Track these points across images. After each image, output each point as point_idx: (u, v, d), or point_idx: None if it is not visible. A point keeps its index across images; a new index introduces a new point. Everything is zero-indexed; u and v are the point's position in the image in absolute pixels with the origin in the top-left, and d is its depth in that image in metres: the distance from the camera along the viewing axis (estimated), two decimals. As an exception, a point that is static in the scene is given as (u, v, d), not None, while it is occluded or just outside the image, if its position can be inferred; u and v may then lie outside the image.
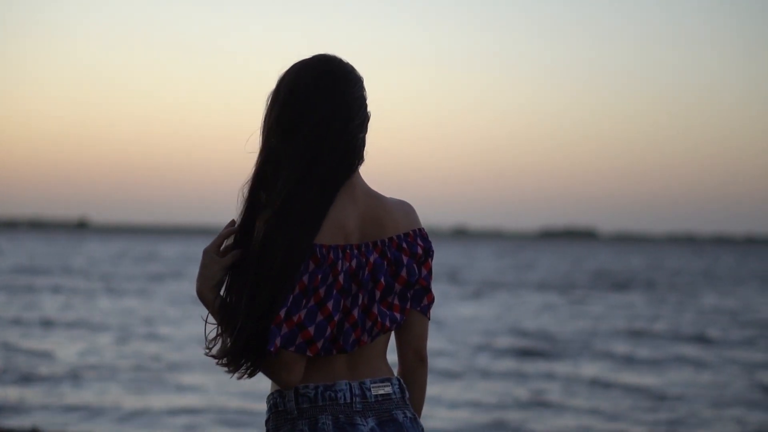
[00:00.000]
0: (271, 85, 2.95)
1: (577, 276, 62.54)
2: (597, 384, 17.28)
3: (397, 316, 2.92)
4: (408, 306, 2.94)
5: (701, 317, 32.22)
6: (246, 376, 2.88)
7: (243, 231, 2.91)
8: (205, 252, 2.93)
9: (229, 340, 2.85)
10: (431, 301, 2.98)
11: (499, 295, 41.87)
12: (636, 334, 25.90)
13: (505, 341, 23.58)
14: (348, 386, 2.89)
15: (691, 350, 22.71)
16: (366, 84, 2.99)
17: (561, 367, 19.31)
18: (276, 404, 2.93)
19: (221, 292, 2.91)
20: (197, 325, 25.87)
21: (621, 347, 22.97)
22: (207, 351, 2.92)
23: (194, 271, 58.20)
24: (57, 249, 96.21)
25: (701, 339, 25.13)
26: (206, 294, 2.90)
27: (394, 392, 2.93)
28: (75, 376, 16.67)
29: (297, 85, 2.90)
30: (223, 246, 2.94)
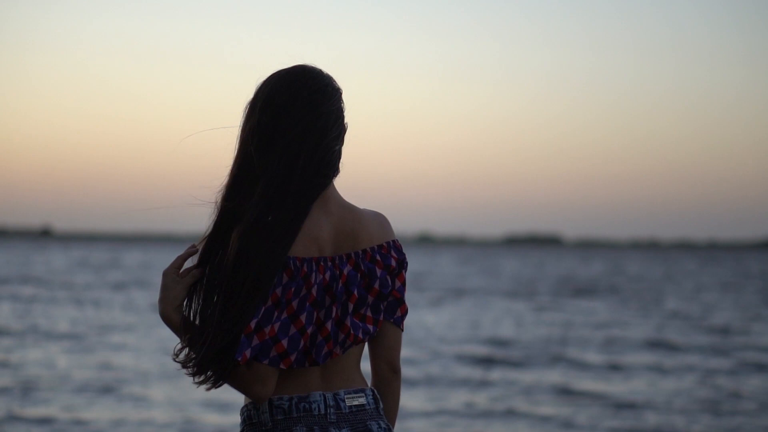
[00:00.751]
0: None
1: (541, 282, 62.60)
2: (559, 391, 17.18)
3: (370, 327, 2.93)
4: (381, 317, 2.95)
5: (663, 322, 32.22)
6: (212, 385, 2.87)
7: (214, 239, 2.92)
8: (165, 274, 2.93)
9: (198, 349, 2.84)
10: (404, 312, 2.99)
11: (462, 301, 41.82)
12: (602, 340, 25.88)
13: (467, 348, 23.47)
14: (322, 397, 2.91)
15: (653, 356, 22.67)
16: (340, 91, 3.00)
17: (524, 375, 19.20)
18: (250, 416, 2.94)
19: (185, 306, 2.92)
20: (155, 334, 25.70)
21: (584, 354, 22.89)
22: (174, 357, 2.92)
23: (155, 278, 58.11)
24: (18, 257, 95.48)
25: (662, 344, 25.10)
26: (171, 315, 2.90)
27: (368, 403, 2.95)
28: (26, 388, 16.28)
29: (274, 96, 2.91)
30: (185, 266, 2.95)
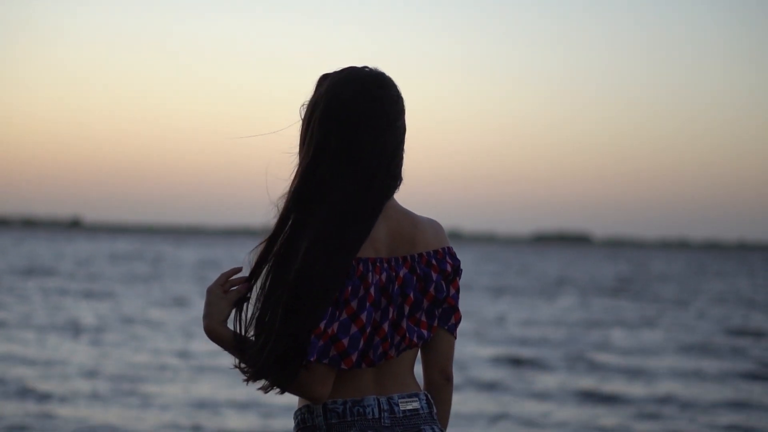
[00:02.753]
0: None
1: (575, 280, 62.28)
2: (588, 395, 17.07)
3: (425, 332, 2.94)
4: (435, 323, 2.96)
5: (702, 325, 32.00)
6: (278, 389, 2.89)
7: (274, 244, 2.93)
8: (209, 291, 2.95)
9: (258, 355, 2.85)
10: (458, 320, 2.99)
11: (493, 300, 41.64)
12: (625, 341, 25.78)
13: (494, 350, 23.35)
14: (376, 401, 2.91)
15: (690, 361, 22.52)
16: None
17: (552, 378, 19.10)
18: (304, 420, 2.96)
19: (235, 317, 2.97)
20: (175, 329, 25.61)
21: (612, 358, 22.76)
22: (236, 366, 2.93)
23: (180, 272, 58.18)
24: (49, 248, 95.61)
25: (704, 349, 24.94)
26: (217, 329, 2.93)
27: (422, 407, 2.96)
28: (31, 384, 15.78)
29: (350, 104, 2.92)
30: (234, 277, 2.99)
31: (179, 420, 13.60)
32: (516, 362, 20.98)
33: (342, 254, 2.85)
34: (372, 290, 2.88)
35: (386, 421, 2.91)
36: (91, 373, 17.36)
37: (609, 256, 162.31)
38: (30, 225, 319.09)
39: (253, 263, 2.97)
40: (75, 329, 24.55)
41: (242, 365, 2.92)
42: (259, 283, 2.95)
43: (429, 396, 3.00)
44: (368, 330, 2.86)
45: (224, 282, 2.98)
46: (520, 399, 16.31)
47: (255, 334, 2.89)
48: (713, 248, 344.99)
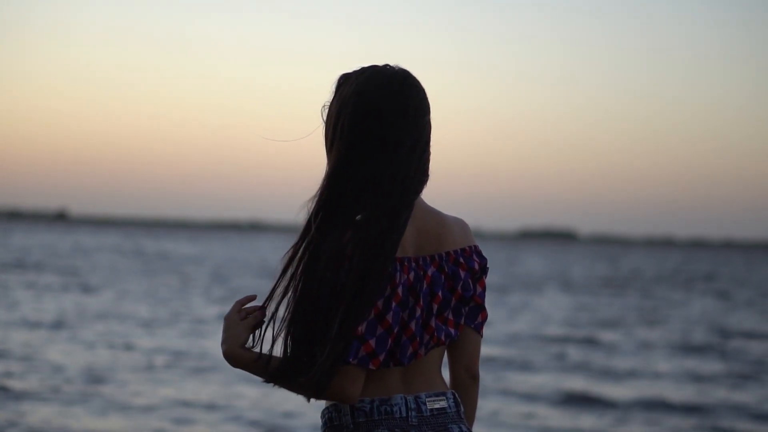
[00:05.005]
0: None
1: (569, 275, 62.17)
2: (573, 397, 16.69)
3: (452, 331, 2.95)
4: (462, 322, 2.98)
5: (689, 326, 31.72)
6: (317, 394, 2.88)
7: (303, 248, 2.93)
8: (227, 318, 2.98)
9: (307, 365, 2.85)
10: (485, 318, 3.01)
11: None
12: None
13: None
14: (403, 400, 2.92)
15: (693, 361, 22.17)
16: None
17: (536, 378, 18.71)
18: (331, 419, 2.96)
19: (258, 336, 2.98)
20: (162, 330, 25.25)
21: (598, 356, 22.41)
22: (270, 380, 2.92)
23: (169, 265, 57.84)
24: (33, 240, 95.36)
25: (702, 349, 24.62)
26: (237, 352, 2.94)
27: (449, 406, 2.96)
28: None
29: (384, 105, 2.94)
30: (249, 305, 3.03)
31: (147, 423, 13.19)
32: (497, 361, 20.63)
33: (387, 253, 2.87)
34: (399, 290, 2.89)
35: (414, 420, 2.92)
36: (57, 369, 16.97)
37: (595, 253, 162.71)
38: (16, 217, 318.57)
39: (282, 266, 2.98)
40: (45, 324, 24.17)
41: (278, 373, 2.90)
42: (282, 287, 2.96)
43: (456, 395, 3.00)
44: (396, 330, 2.88)
45: (239, 309, 3.00)
46: (496, 399, 15.91)
47: (293, 338, 2.89)
48: (699, 246, 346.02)
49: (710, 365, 21.59)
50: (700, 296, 48.57)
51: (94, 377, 16.40)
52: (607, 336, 27.13)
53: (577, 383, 18.18)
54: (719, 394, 17.67)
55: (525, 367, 20.15)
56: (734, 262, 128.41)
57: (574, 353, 22.90)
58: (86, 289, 36.96)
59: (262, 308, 3.01)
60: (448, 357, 3.04)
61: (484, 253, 3.07)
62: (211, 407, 14.36)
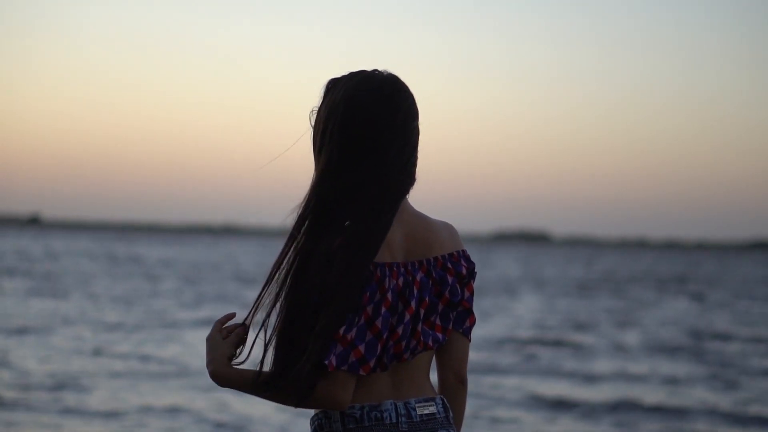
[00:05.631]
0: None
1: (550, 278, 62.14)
2: (543, 400, 16.52)
3: (439, 336, 2.97)
4: (450, 326, 2.98)
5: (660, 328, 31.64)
6: (301, 400, 2.88)
7: (290, 255, 2.95)
8: (209, 338, 2.98)
9: (288, 364, 2.86)
10: (473, 323, 3.02)
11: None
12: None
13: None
14: (393, 406, 2.92)
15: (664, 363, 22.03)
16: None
17: (508, 381, 18.53)
18: (321, 425, 2.97)
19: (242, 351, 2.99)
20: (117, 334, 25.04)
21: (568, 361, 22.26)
22: (256, 381, 2.92)
23: (140, 269, 57.54)
24: (5, 245, 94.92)
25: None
26: (223, 371, 2.94)
27: (438, 411, 2.97)
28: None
29: (374, 110, 2.96)
30: (229, 323, 3.02)
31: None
32: (469, 364, 20.38)
33: (367, 254, 2.89)
34: (389, 295, 2.90)
35: (404, 425, 2.93)
36: (23, 375, 16.70)
37: (569, 254, 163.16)
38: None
39: (270, 273, 2.98)
40: (10, 330, 23.88)
41: (264, 381, 2.89)
42: (271, 294, 2.95)
43: (445, 400, 3.01)
44: (385, 335, 2.89)
45: (220, 329, 3.00)
46: (467, 403, 15.72)
47: (282, 346, 2.89)
48: (672, 248, 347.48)
49: (684, 367, 21.48)
50: (674, 298, 48.59)
51: (59, 383, 16.16)
52: (581, 338, 27.02)
53: (550, 386, 18.03)
54: (694, 396, 17.56)
55: (496, 370, 19.99)
56: (707, 264, 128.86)
57: (547, 356, 22.77)
58: (56, 293, 36.66)
59: (244, 325, 3.01)
60: (436, 362, 3.05)
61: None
62: (174, 411, 14.19)
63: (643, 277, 73.80)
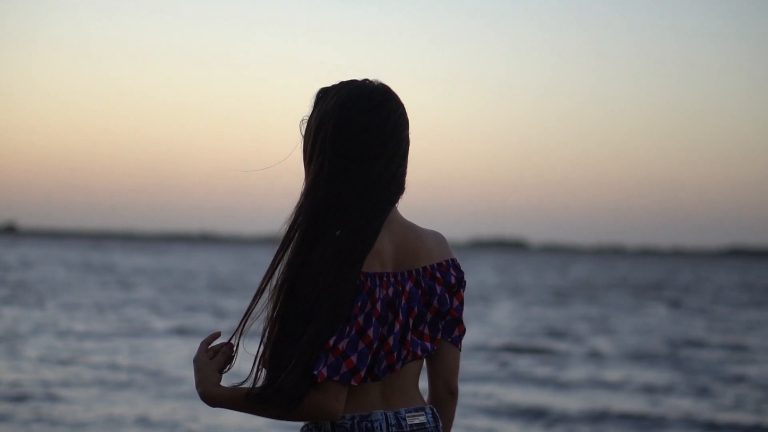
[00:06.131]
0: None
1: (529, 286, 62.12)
2: (517, 409, 16.39)
3: (428, 345, 2.98)
4: (439, 336, 3.00)
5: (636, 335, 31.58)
6: (289, 408, 2.87)
7: (282, 260, 2.95)
8: (196, 360, 2.99)
9: (279, 373, 2.87)
10: (462, 332, 3.03)
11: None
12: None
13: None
14: (384, 416, 2.94)
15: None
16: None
17: (484, 389, 18.42)
18: None
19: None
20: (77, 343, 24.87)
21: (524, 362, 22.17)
22: (249, 393, 2.91)
23: (115, 278, 57.27)
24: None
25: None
26: (213, 391, 2.94)
27: (428, 421, 2.99)
28: None
29: (366, 120, 2.97)
30: (215, 343, 3.05)
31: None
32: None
33: (353, 264, 2.89)
34: (378, 305, 2.92)
35: None
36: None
37: (546, 262, 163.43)
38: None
39: (261, 284, 2.97)
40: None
41: (256, 394, 2.89)
42: (264, 303, 2.95)
43: (435, 410, 3.03)
44: (375, 345, 2.90)
45: (206, 349, 3.01)
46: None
47: (273, 358, 2.89)
48: (648, 254, 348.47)
49: (660, 375, 21.42)
50: (650, 305, 48.62)
51: (25, 393, 15.96)
52: (556, 345, 26.96)
53: (525, 394, 17.94)
54: (669, 403, 17.48)
55: (471, 378, 19.89)
56: (683, 271, 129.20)
57: (522, 363, 22.69)
58: (28, 302, 36.40)
59: (229, 344, 3.02)
60: (427, 371, 3.07)
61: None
62: (145, 421, 14.05)
63: (619, 284, 73.89)
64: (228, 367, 3.00)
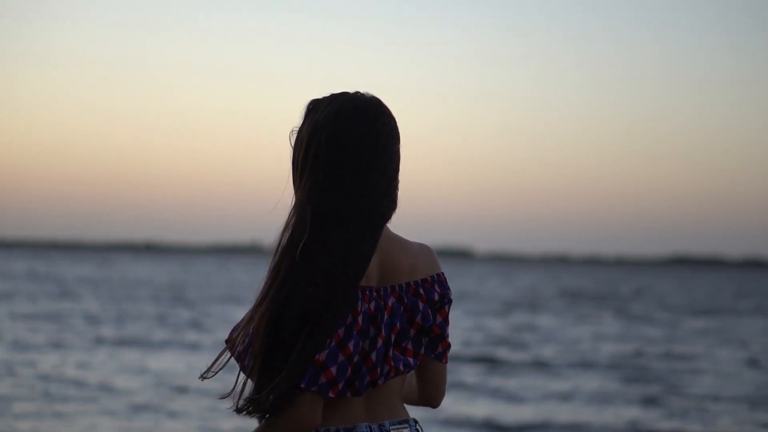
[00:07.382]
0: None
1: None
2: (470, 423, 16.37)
3: (411, 360, 2.98)
4: (422, 351, 3.00)
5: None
6: (269, 418, 2.88)
7: (276, 280, 2.91)
8: None
9: (267, 384, 2.86)
10: (446, 347, 3.03)
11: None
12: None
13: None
14: (368, 429, 2.95)
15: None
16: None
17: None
18: None
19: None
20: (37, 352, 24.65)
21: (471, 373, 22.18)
22: (235, 401, 2.92)
23: (60, 288, 56.84)
24: None
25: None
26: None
27: None
28: None
29: (358, 133, 2.95)
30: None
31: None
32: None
33: (350, 280, 2.89)
34: (360, 318, 2.90)
35: None
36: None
37: (492, 271, 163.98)
38: None
39: (258, 297, 2.94)
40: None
41: (242, 402, 2.89)
42: (257, 317, 2.90)
43: (418, 422, 3.06)
44: (356, 359, 2.89)
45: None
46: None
47: (260, 368, 2.87)
48: (593, 263, 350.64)
49: (607, 383, 21.49)
50: (597, 313, 48.85)
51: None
52: (504, 355, 27.00)
53: (474, 405, 17.95)
54: (617, 413, 17.53)
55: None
56: (629, 279, 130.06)
57: (471, 373, 22.70)
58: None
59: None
60: (416, 386, 3.09)
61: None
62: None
63: (565, 293, 74.22)
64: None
